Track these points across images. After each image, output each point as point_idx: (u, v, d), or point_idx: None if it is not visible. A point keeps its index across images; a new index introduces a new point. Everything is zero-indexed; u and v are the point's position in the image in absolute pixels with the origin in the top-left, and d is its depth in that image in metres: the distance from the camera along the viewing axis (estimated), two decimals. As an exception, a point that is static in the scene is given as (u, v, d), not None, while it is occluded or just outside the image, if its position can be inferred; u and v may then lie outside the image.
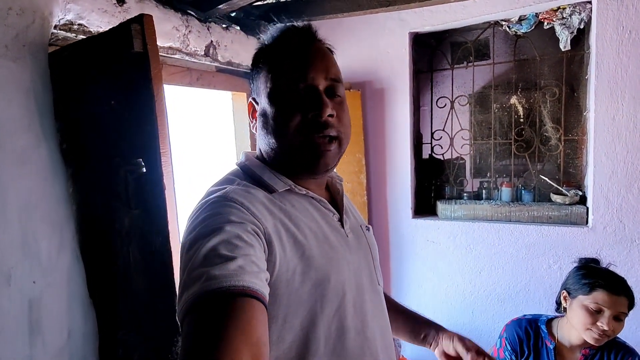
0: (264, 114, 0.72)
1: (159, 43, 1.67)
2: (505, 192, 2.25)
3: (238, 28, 2.18)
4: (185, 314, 0.50)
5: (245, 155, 0.77)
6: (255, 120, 0.75)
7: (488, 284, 2.19)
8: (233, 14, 2.18)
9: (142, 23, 1.05)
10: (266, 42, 0.75)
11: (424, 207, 2.47)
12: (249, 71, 0.78)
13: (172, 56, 1.80)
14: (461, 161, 2.40)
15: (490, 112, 2.29)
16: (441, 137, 2.42)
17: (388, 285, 2.44)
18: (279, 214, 0.66)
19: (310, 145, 0.68)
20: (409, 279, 2.38)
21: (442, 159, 2.44)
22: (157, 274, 1.13)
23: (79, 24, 1.34)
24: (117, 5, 1.44)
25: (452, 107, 2.37)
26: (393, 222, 2.41)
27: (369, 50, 2.34)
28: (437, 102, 2.41)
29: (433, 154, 2.46)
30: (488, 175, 2.34)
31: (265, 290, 0.54)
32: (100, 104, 1.20)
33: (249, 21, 2.22)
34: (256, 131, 0.76)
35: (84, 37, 1.34)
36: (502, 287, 2.16)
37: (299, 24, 0.75)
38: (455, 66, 2.35)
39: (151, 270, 1.16)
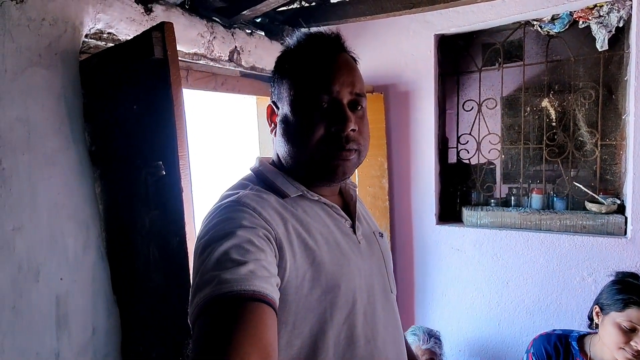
0: (285, 121, 0.72)
1: (184, 49, 1.73)
2: (536, 199, 2.15)
3: (262, 33, 2.21)
4: (196, 317, 0.51)
5: (259, 161, 0.77)
6: (275, 125, 0.75)
7: (516, 295, 2.10)
8: (258, 20, 2.21)
9: (163, 30, 1.09)
10: (292, 47, 0.75)
11: (448, 213, 2.40)
12: (271, 74, 0.78)
13: (197, 62, 1.85)
14: (491, 166, 2.31)
15: (520, 116, 2.20)
16: (467, 141, 2.34)
17: (411, 293, 2.38)
18: (291, 219, 0.66)
19: (331, 158, 0.69)
20: (433, 287, 2.32)
21: (469, 163, 2.36)
22: (173, 274, 1.16)
23: (108, 33, 1.41)
24: (144, 14, 1.49)
25: (479, 111, 2.29)
26: (416, 228, 2.35)
27: (392, 52, 2.31)
28: (463, 105, 2.34)
29: (459, 159, 2.38)
30: (517, 181, 2.25)
31: (275, 295, 0.55)
32: (125, 109, 1.25)
33: (273, 26, 2.25)
34: (275, 135, 0.76)
35: (113, 44, 1.40)
36: (531, 299, 2.06)
37: (327, 31, 0.74)
38: (483, 68, 2.27)
39: (168, 270, 1.19)
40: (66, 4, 1.21)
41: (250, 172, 0.77)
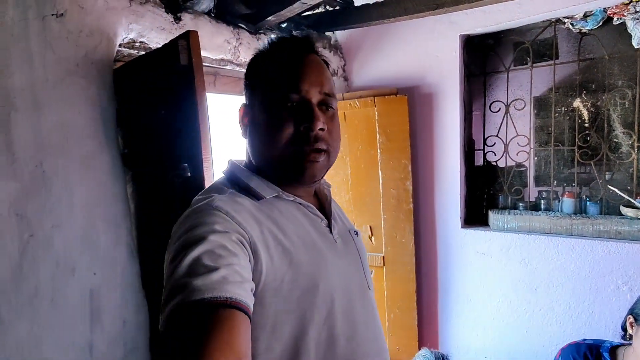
0: (255, 121, 0.71)
1: (211, 55, 1.79)
2: (567, 203, 2.07)
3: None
4: (167, 325, 0.50)
5: (231, 163, 0.75)
6: (246, 127, 0.75)
7: (545, 303, 2.02)
8: (284, 25, 2.26)
9: (188, 39, 1.14)
10: (262, 50, 0.74)
11: (474, 216, 2.35)
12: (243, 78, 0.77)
13: (224, 67, 1.91)
14: (520, 169, 2.25)
15: (551, 117, 2.12)
16: (494, 143, 2.29)
17: (435, 297, 2.35)
18: (266, 221, 0.65)
19: (300, 157, 0.68)
20: (457, 291, 2.28)
21: (496, 166, 2.30)
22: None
23: (140, 42, 1.49)
24: (173, 22, 1.57)
25: (507, 112, 2.23)
26: (441, 231, 2.32)
27: (417, 54, 2.29)
28: (490, 106, 2.28)
29: (486, 161, 2.33)
30: (548, 184, 2.17)
31: (249, 301, 0.54)
32: (154, 113, 1.31)
33: (299, 31, 2.29)
34: (246, 137, 0.75)
35: (144, 52, 1.48)
36: (561, 306, 1.98)
37: (298, 34, 0.76)
38: (511, 68, 2.21)
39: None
40: (101, 16, 1.29)
41: (223, 175, 0.75)
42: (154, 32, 1.49)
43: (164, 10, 1.51)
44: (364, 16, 2.18)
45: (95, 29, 1.27)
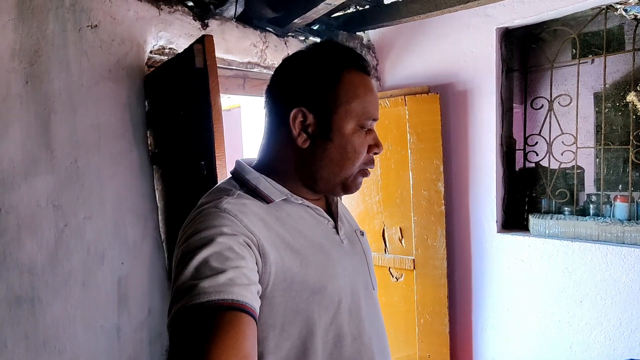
0: (330, 138, 0.68)
1: (237, 59, 1.87)
2: (620, 207, 1.87)
3: (317, 40, 2.28)
4: (173, 326, 0.51)
5: (240, 164, 0.74)
6: (307, 135, 0.69)
7: (592, 317, 1.84)
8: (315, 27, 2.29)
9: (204, 43, 1.20)
10: (320, 57, 0.71)
11: (513, 221, 2.20)
12: (301, 75, 0.70)
13: (252, 70, 1.98)
14: (565, 170, 2.07)
15: (601, 113, 1.93)
16: (536, 142, 2.13)
17: (469, 305, 2.23)
18: (274, 224, 0.65)
19: (361, 176, 0.73)
20: (493, 300, 2.14)
21: (538, 167, 2.14)
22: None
23: (169, 48, 1.59)
24: (201, 29, 1.65)
25: (550, 109, 2.07)
26: (475, 235, 2.20)
27: (450, 50, 2.20)
28: (531, 103, 2.13)
29: (527, 162, 2.18)
30: (597, 187, 1.98)
31: (255, 304, 0.54)
32: (176, 114, 1.39)
33: (328, 32, 2.31)
34: (303, 145, 0.69)
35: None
36: (611, 322, 1.79)
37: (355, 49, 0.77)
38: (555, 61, 2.05)
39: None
40: (132, 25, 1.40)
41: (230, 176, 0.74)
42: (182, 38, 1.58)
43: (192, 17, 1.60)
44: (394, 14, 2.15)
45: (126, 38, 1.38)
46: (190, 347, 0.47)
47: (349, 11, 2.33)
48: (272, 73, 0.75)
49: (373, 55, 2.52)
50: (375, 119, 0.72)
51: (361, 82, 0.71)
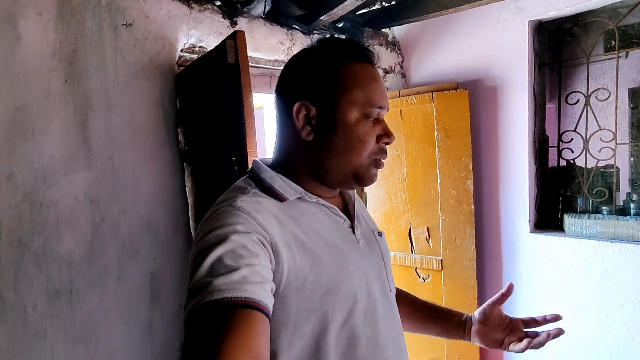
0: (333, 130, 0.69)
1: (265, 57, 1.87)
2: (664, 207, 1.77)
3: (343, 37, 2.27)
4: (188, 323, 0.52)
5: (256, 163, 0.75)
6: (311, 129, 0.70)
7: (634, 321, 1.75)
8: (340, 25, 2.28)
9: (235, 39, 1.20)
10: (323, 51, 0.72)
11: (547, 220, 2.12)
12: (306, 70, 0.71)
13: (278, 68, 1.98)
14: (603, 167, 1.98)
15: (638, 109, 1.84)
16: (572, 139, 2.05)
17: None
18: (288, 222, 0.65)
19: (374, 168, 0.72)
20: (526, 302, 2.07)
21: (574, 164, 2.06)
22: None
23: (199, 47, 1.61)
24: (230, 27, 1.67)
25: (587, 104, 1.99)
26: (506, 235, 2.13)
27: (479, 45, 2.15)
28: (566, 98, 2.05)
29: (562, 159, 2.10)
30: (633, 186, 1.88)
31: (268, 301, 0.55)
32: (207, 111, 1.40)
33: (354, 29, 2.29)
34: (307, 137, 0.70)
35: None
36: (655, 327, 1.70)
37: (360, 42, 0.77)
38: (592, 54, 1.97)
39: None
40: (164, 24, 1.42)
41: (247, 174, 0.75)
42: (212, 36, 1.60)
43: (221, 16, 1.61)
44: (421, 9, 2.11)
45: (158, 36, 1.40)
46: (203, 343, 0.48)
47: (374, 8, 2.31)
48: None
49: (398, 52, 2.48)
50: (381, 107, 0.70)
51: (363, 71, 0.70)
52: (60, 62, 1.20)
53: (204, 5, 1.56)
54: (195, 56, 1.62)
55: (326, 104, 0.69)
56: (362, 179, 0.71)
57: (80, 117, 1.25)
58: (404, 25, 2.38)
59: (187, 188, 1.56)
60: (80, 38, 1.24)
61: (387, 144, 0.72)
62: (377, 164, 0.72)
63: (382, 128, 0.71)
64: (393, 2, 2.23)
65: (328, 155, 0.70)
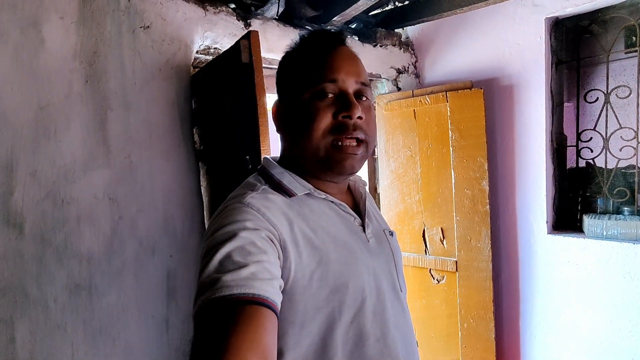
0: (290, 115, 0.71)
1: (278, 58, 1.89)
2: (689, 207, 1.71)
3: (356, 38, 2.27)
4: (197, 319, 0.52)
5: (266, 160, 0.76)
6: (280, 122, 0.75)
7: (658, 326, 1.70)
8: (353, 25, 2.28)
9: (249, 39, 1.22)
10: (294, 47, 0.75)
11: (565, 221, 2.07)
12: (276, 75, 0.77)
13: (292, 69, 1.99)
14: (624, 167, 1.93)
15: (665, 105, 1.79)
16: (591, 138, 2.00)
17: (516, 310, 2.12)
18: (297, 219, 0.65)
19: (338, 146, 0.67)
20: (543, 306, 2.02)
21: (593, 164, 2.01)
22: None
23: (214, 48, 1.63)
24: (244, 28, 1.69)
25: (606, 102, 1.94)
26: (523, 236, 2.09)
27: (494, 44, 2.12)
28: (585, 96, 2.01)
29: (580, 158, 2.05)
30: (662, 185, 1.83)
31: (276, 298, 0.55)
32: (222, 110, 1.43)
33: (366, 30, 2.29)
34: (281, 133, 0.75)
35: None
36: (681, 332, 1.64)
37: (329, 28, 0.76)
38: (612, 51, 1.93)
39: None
40: (180, 26, 1.45)
41: (257, 171, 0.76)
42: (226, 38, 1.63)
43: (235, 18, 1.64)
44: (435, 8, 2.10)
45: (175, 38, 1.44)
46: (211, 339, 0.48)
47: (387, 8, 2.31)
48: None
49: (412, 52, 2.47)
50: (333, 80, 0.67)
51: (313, 53, 0.70)
52: (81, 64, 1.24)
53: (219, 8, 1.59)
54: (210, 58, 1.65)
55: (285, 96, 0.73)
56: (326, 163, 0.68)
57: (99, 117, 1.29)
58: (417, 25, 2.37)
59: (202, 187, 1.58)
60: (100, 40, 1.28)
61: (346, 117, 0.67)
62: (337, 146, 0.67)
63: (340, 102, 0.67)
64: (406, 2, 2.22)
65: (291, 142, 0.73)
